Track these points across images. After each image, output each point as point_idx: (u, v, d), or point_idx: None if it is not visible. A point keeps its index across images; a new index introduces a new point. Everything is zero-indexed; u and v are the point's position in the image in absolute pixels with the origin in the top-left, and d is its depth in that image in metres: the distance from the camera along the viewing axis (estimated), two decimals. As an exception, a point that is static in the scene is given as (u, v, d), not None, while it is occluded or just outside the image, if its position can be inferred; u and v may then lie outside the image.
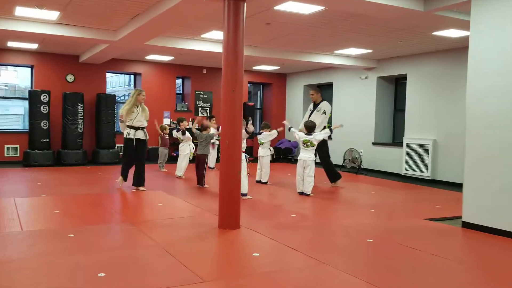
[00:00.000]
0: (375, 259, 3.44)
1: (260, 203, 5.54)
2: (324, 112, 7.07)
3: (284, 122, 7.09)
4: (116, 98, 10.50)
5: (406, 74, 8.84)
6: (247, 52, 7.95)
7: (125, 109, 5.87)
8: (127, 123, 5.85)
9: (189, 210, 5.08)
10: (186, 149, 7.63)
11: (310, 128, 6.24)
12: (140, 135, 5.94)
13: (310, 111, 7.31)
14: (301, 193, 6.12)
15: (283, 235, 4.00)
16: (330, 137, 7.29)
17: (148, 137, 6.09)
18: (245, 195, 5.62)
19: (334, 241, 3.93)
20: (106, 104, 9.70)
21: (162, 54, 9.46)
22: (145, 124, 6.01)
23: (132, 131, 5.92)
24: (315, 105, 7.34)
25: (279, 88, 12.32)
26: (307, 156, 6.07)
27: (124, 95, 16.02)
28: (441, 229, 4.50)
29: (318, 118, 7.12)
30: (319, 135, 6.16)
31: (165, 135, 8.51)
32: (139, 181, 6.13)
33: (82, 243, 3.60)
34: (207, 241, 3.77)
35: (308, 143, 6.08)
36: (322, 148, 7.05)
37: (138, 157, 5.98)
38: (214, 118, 8.84)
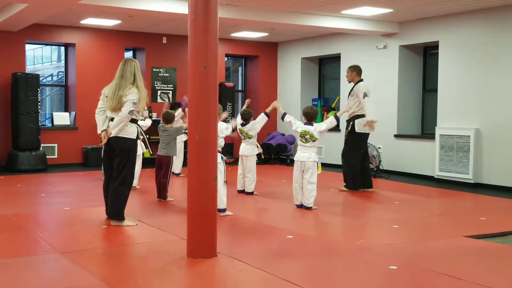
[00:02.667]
0: (402, 294, 3.45)
1: (245, 222, 5.53)
2: (366, 95, 7.15)
3: (274, 104, 7.02)
4: (41, 79, 10.33)
5: (438, 42, 8.93)
6: (223, 14, 7.91)
7: (141, 95, 5.15)
8: (134, 116, 5.18)
9: (146, 233, 5.03)
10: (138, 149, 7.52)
11: (311, 116, 6.24)
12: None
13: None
14: (300, 206, 6.14)
15: (277, 264, 3.99)
16: (337, 127, 7.35)
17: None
18: (223, 210, 5.60)
19: (345, 270, 3.95)
20: (26, 87, 9.53)
21: (104, 17, 9.33)
22: None
23: (139, 129, 5.37)
24: (352, 88, 7.48)
25: (268, 63, 12.33)
26: (306, 155, 6.08)
27: (52, 75, 15.78)
28: (489, 249, 4.56)
29: (352, 106, 7.28)
30: (322, 125, 6.17)
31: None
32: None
33: (-5, 284, 3.52)
34: (171, 276, 3.73)
35: (308, 136, 6.08)
36: (349, 140, 7.35)
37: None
38: (180, 108, 8.76)
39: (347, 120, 7.52)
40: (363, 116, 7.25)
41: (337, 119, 6.36)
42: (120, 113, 5.02)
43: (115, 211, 5.16)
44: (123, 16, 9.09)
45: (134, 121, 5.18)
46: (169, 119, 6.78)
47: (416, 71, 9.75)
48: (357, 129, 7.31)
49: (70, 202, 6.49)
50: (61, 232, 5.22)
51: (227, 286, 3.62)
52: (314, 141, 6.09)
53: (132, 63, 5.22)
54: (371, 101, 7.19)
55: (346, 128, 7.49)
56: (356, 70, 7.45)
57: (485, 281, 3.65)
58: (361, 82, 7.39)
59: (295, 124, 6.29)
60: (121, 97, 5.04)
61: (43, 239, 4.70)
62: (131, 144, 5.14)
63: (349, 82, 7.57)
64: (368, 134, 7.49)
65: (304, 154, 6.10)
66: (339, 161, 8.24)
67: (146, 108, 5.43)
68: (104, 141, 5.12)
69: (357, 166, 7.40)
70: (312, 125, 6.17)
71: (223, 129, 5.70)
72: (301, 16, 8.79)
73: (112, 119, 5.12)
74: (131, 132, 5.13)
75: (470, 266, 4.06)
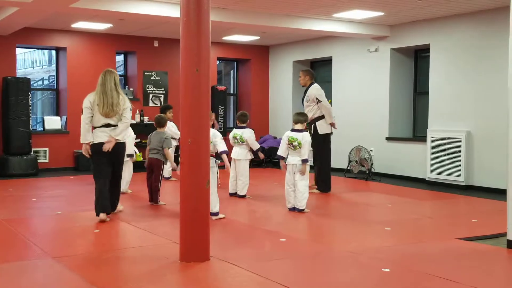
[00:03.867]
0: (396, 296, 3.46)
1: (237, 225, 5.52)
2: (317, 100, 7.38)
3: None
4: (32, 83, 10.27)
5: (429, 45, 8.99)
6: (215, 17, 7.90)
7: None
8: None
9: (139, 237, 5.02)
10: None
11: (298, 121, 6.25)
12: None
13: (303, 101, 7.71)
14: (293, 209, 6.14)
15: (270, 267, 3.99)
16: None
17: None
18: (215, 214, 5.59)
19: (338, 273, 3.95)
20: (17, 91, 9.47)
21: (95, 21, 9.30)
22: None
23: None
24: (305, 92, 7.66)
25: (260, 66, 12.34)
26: (297, 159, 6.07)
27: (43, 79, 15.69)
28: (481, 251, 4.59)
29: (310, 111, 7.41)
30: (305, 139, 6.05)
31: None
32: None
33: (-14, 290, 3.49)
34: (165, 281, 3.72)
35: (296, 143, 6.06)
36: (322, 146, 7.42)
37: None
38: (171, 110, 8.75)
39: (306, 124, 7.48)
40: (321, 118, 7.44)
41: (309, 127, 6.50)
42: (125, 119, 5.51)
43: (113, 205, 5.77)
44: (114, 20, 9.07)
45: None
46: (161, 123, 6.77)
47: (407, 74, 9.80)
48: (320, 131, 7.45)
49: (62, 206, 6.45)
50: (53, 237, 5.19)
51: (220, 290, 3.61)
52: (301, 147, 6.03)
53: (112, 74, 5.57)
54: (325, 103, 7.42)
55: (309, 131, 7.29)
56: (309, 74, 7.64)
57: (479, 283, 3.67)
58: (312, 86, 7.54)
59: (282, 141, 6.23)
60: (114, 105, 5.42)
61: (35, 244, 4.66)
62: (125, 147, 5.81)
63: (302, 86, 7.76)
64: (331, 133, 7.64)
65: (294, 158, 6.09)
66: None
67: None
68: (109, 146, 5.45)
69: (329, 168, 7.59)
70: (301, 132, 6.13)
71: (218, 137, 5.71)
72: (293, 20, 8.82)
73: (106, 125, 5.47)
74: (125, 136, 5.73)
75: (463, 268, 4.08)
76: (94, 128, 5.57)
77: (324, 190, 7.53)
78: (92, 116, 5.49)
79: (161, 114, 7.03)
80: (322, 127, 7.45)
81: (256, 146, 7.12)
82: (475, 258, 4.38)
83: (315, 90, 7.48)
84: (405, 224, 5.66)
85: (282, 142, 6.21)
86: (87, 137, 5.49)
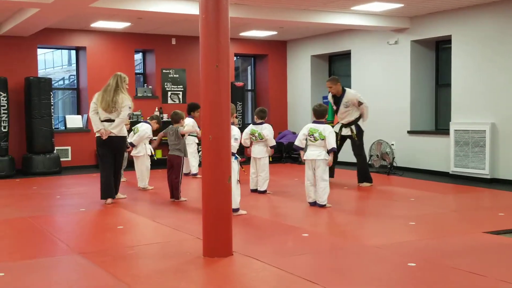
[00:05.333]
0: (421, 290, 3.44)
1: (259, 221, 5.54)
2: (359, 103, 7.70)
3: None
4: (53, 83, 10.42)
5: (450, 36, 8.87)
6: (232, 13, 7.89)
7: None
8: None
9: (162, 233, 5.07)
10: (141, 149, 7.59)
11: (319, 113, 6.22)
12: None
13: (334, 107, 7.99)
14: (313, 204, 6.14)
15: (293, 262, 4.00)
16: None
17: None
18: (236, 210, 5.60)
19: (363, 268, 3.94)
20: (39, 91, 9.62)
21: (114, 20, 9.40)
22: None
23: None
24: (337, 98, 7.83)
25: (278, 61, 12.32)
26: (316, 153, 6.05)
27: (63, 79, 15.90)
28: (508, 245, 4.53)
29: (350, 115, 7.75)
30: (329, 130, 6.05)
31: None
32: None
33: (15, 285, 3.56)
34: (189, 276, 3.75)
35: (316, 134, 6.04)
36: (359, 140, 7.78)
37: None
38: (198, 109, 8.72)
39: (345, 126, 7.84)
40: (358, 119, 7.79)
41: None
42: (121, 115, 6.31)
43: (116, 190, 6.59)
44: (133, 19, 9.15)
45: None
46: (175, 118, 6.83)
47: (428, 66, 9.69)
48: (363, 128, 7.85)
49: (85, 203, 6.54)
50: (78, 233, 5.27)
51: (244, 284, 3.63)
52: (323, 139, 6.03)
53: (117, 77, 6.46)
54: (366, 103, 7.77)
55: (352, 132, 7.77)
56: (338, 81, 7.85)
57: (507, 277, 3.62)
58: (348, 91, 7.83)
59: (301, 132, 6.24)
60: (112, 102, 6.29)
61: (61, 241, 4.75)
62: (125, 140, 6.68)
63: (334, 94, 7.87)
64: None
65: (313, 152, 6.07)
66: (349, 159, 8.30)
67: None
68: (105, 137, 6.28)
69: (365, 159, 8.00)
70: (322, 124, 6.14)
71: (235, 134, 5.66)
72: (310, 14, 8.78)
73: (107, 120, 6.32)
74: (124, 131, 6.56)
75: (490, 262, 4.03)
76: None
77: (371, 181, 7.75)
78: (97, 111, 6.34)
79: (176, 110, 7.09)
80: (361, 125, 7.84)
81: (272, 142, 7.09)
82: (501, 252, 4.32)
83: (354, 94, 7.78)
84: (429, 218, 5.61)
85: (301, 133, 6.22)
86: (98, 125, 6.32)
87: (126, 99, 6.33)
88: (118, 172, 6.60)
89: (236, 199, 5.54)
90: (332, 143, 6.00)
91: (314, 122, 6.21)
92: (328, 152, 6.02)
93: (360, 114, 7.75)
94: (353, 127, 7.77)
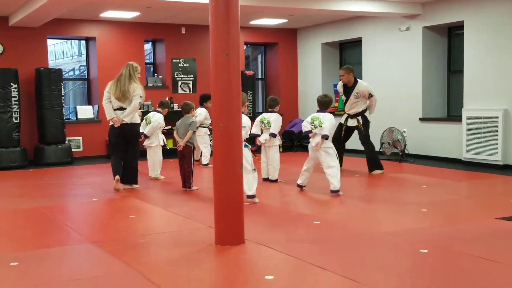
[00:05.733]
0: (434, 276, 3.44)
1: (270, 209, 5.56)
2: (369, 95, 7.73)
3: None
4: (63, 73, 10.47)
5: (463, 22, 8.77)
6: (242, 1, 7.86)
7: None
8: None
9: (174, 222, 5.10)
10: (154, 140, 7.62)
11: (321, 103, 6.28)
12: None
13: (344, 98, 8.02)
14: (299, 186, 6.36)
15: (305, 249, 4.01)
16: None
17: None
18: (253, 196, 5.61)
19: (375, 254, 3.94)
20: (50, 82, 9.68)
21: (123, 9, 9.40)
22: None
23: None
24: (348, 88, 7.85)
25: (288, 49, 12.26)
26: (316, 141, 6.05)
27: (74, 69, 15.98)
28: (522, 231, 4.51)
29: (358, 105, 7.79)
30: (327, 117, 6.06)
31: None
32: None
33: (29, 274, 3.61)
34: (201, 264, 3.78)
35: (316, 122, 6.08)
36: (365, 126, 7.79)
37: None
38: (210, 100, 8.75)
39: (351, 117, 7.87)
40: (365, 110, 7.83)
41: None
42: (132, 104, 6.45)
43: (135, 179, 6.76)
44: (142, 8, 9.14)
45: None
46: (186, 109, 6.86)
47: (440, 53, 9.59)
48: (369, 119, 7.88)
49: (97, 193, 6.60)
50: (91, 222, 5.32)
51: (256, 272, 3.65)
52: (321, 126, 6.03)
53: (129, 66, 6.61)
54: (376, 96, 7.81)
55: (358, 123, 7.81)
56: (352, 71, 7.87)
57: (519, 263, 3.61)
58: (360, 82, 7.86)
59: (305, 120, 6.29)
60: (125, 91, 6.43)
61: (74, 230, 4.80)
62: (138, 128, 6.83)
63: (346, 84, 7.88)
64: None
65: (315, 140, 6.09)
66: (358, 147, 8.29)
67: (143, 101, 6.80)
68: (117, 124, 6.46)
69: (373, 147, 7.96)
70: (325, 112, 6.16)
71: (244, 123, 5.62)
72: (321, 1, 8.71)
73: (119, 108, 6.48)
74: (137, 119, 6.69)
75: (504, 248, 4.01)
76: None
77: (382, 168, 7.75)
78: (110, 100, 6.51)
79: (187, 101, 7.11)
80: (368, 117, 7.88)
81: (274, 130, 7.02)
82: (515, 238, 4.31)
83: (366, 86, 7.80)
84: (441, 205, 5.59)
85: (305, 121, 6.32)
86: (111, 114, 6.51)
87: (137, 88, 6.47)
88: (134, 160, 6.68)
89: (252, 185, 5.57)
90: (326, 128, 6.01)
91: (317, 111, 6.28)
92: (322, 136, 6.01)
93: (368, 106, 7.79)
94: (359, 117, 7.79)
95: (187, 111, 6.86)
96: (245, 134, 5.59)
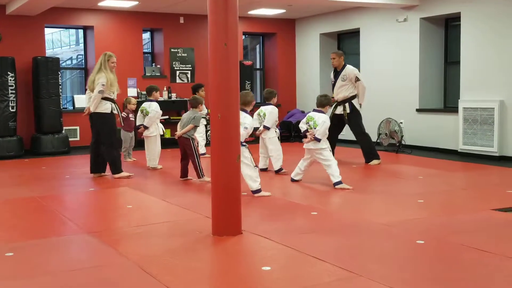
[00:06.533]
0: (430, 267, 3.43)
1: (267, 199, 5.53)
2: (356, 79, 7.66)
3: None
4: (61, 62, 10.39)
5: (459, 13, 8.71)
6: (240, -9, 7.80)
7: (111, 78, 6.61)
8: (106, 95, 6.61)
9: (171, 212, 5.08)
10: (153, 130, 7.56)
11: (319, 102, 6.23)
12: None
13: (333, 81, 7.93)
14: (292, 180, 6.37)
15: (302, 240, 3.99)
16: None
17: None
18: (258, 191, 5.54)
19: (371, 245, 3.92)
20: (47, 71, 9.59)
21: (120, -1, 9.30)
22: None
23: (113, 105, 6.72)
24: (337, 72, 7.80)
25: (286, 40, 12.19)
26: (312, 142, 5.99)
27: (71, 58, 15.86)
28: (517, 223, 4.50)
29: (345, 90, 7.68)
30: (322, 119, 5.99)
31: (129, 115, 8.40)
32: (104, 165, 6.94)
33: (25, 264, 3.58)
34: (198, 254, 3.75)
35: (311, 122, 6.03)
36: (354, 120, 7.68)
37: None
38: (203, 88, 8.75)
39: (338, 104, 7.79)
40: (353, 97, 7.70)
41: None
42: (94, 93, 6.53)
43: (114, 167, 6.74)
44: (140, -3, 9.04)
45: (108, 99, 6.61)
46: (193, 103, 6.77)
47: (437, 44, 9.54)
48: (357, 107, 7.75)
49: (94, 183, 6.56)
50: (87, 212, 5.29)
51: (253, 262, 3.63)
52: (316, 128, 5.97)
53: (101, 57, 6.66)
54: (363, 82, 7.73)
55: (344, 110, 7.72)
56: (343, 55, 7.83)
57: (515, 254, 3.59)
58: (349, 66, 7.77)
59: (302, 120, 6.24)
60: (93, 81, 6.55)
61: (70, 220, 4.76)
62: (105, 117, 6.66)
63: (335, 68, 7.84)
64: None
65: (309, 145, 6.03)
66: (352, 137, 8.26)
67: (118, 89, 6.80)
68: (85, 113, 6.70)
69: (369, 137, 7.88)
70: (322, 113, 6.10)
71: (246, 123, 5.50)
72: (319, -9, 8.64)
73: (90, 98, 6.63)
74: (105, 108, 6.60)
75: (499, 239, 4.01)
76: None
77: (378, 157, 7.73)
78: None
79: (195, 95, 7.09)
80: (356, 104, 7.73)
81: (268, 123, 6.94)
82: (510, 229, 4.30)
83: (353, 69, 7.72)
84: (438, 196, 5.58)
85: (302, 121, 6.26)
86: (86, 103, 6.75)
87: (101, 77, 6.50)
88: (105, 148, 6.68)
89: (256, 181, 5.52)
90: (319, 132, 5.94)
91: (314, 110, 6.24)
92: (314, 138, 5.97)
93: (356, 93, 7.68)
94: (346, 105, 7.68)
95: (195, 106, 6.75)
96: (246, 135, 5.52)
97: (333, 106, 7.79)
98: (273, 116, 7.02)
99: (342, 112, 7.72)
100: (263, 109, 7.10)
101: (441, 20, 9.43)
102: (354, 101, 7.71)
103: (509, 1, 7.92)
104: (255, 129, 6.92)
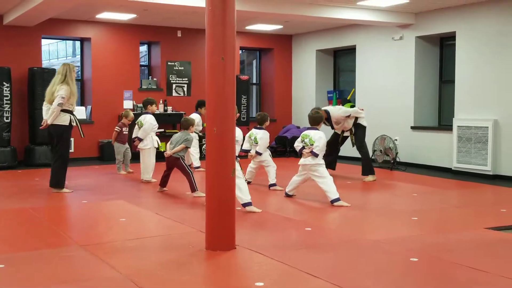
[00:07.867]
0: (424, 284, 3.42)
1: (261, 214, 5.51)
2: (345, 117, 7.85)
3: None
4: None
5: (455, 33, 8.81)
6: (238, 6, 7.82)
7: (71, 90, 6.45)
8: (65, 107, 6.46)
9: (164, 226, 5.05)
10: (148, 142, 7.54)
11: (312, 120, 6.20)
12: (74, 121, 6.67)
13: (329, 124, 8.05)
14: (286, 195, 6.37)
15: (295, 256, 3.97)
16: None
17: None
18: (248, 204, 5.51)
19: (365, 262, 3.91)
20: (43, 82, 9.55)
21: (119, 11, 9.35)
22: None
23: (73, 117, 6.57)
24: (327, 119, 7.86)
25: (283, 55, 12.26)
26: (309, 159, 5.99)
27: (68, 70, 15.84)
28: (510, 241, 4.51)
29: (347, 123, 7.89)
30: (318, 135, 5.99)
31: (123, 129, 8.40)
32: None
33: (15, 277, 3.54)
34: (191, 269, 3.73)
35: (307, 140, 6.01)
36: (358, 134, 7.88)
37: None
38: (204, 107, 8.75)
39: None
40: (356, 121, 7.92)
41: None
42: (52, 105, 6.34)
43: (55, 181, 6.56)
44: (138, 10, 9.10)
45: (66, 111, 6.45)
46: (185, 125, 6.73)
47: (432, 62, 9.62)
48: (363, 124, 7.91)
49: (88, 195, 6.52)
50: (80, 225, 5.26)
51: (246, 278, 3.61)
52: (312, 144, 5.97)
53: (65, 67, 6.50)
54: (353, 112, 7.87)
55: (351, 134, 7.97)
56: (320, 109, 7.69)
57: (508, 273, 3.60)
58: (332, 110, 7.93)
59: (297, 141, 6.23)
60: (53, 93, 6.37)
61: (62, 232, 4.73)
62: (63, 129, 6.48)
63: (325, 118, 7.87)
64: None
65: (306, 158, 6.02)
66: (350, 153, 8.34)
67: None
68: (42, 126, 6.45)
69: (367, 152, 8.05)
70: (316, 130, 6.10)
71: (239, 136, 5.51)
72: (316, 8, 8.72)
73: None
74: (63, 120, 6.44)
75: (493, 258, 4.01)
76: None
77: (373, 173, 7.85)
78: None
79: (188, 117, 7.06)
80: (362, 121, 7.92)
81: (261, 149, 6.93)
82: (503, 248, 4.30)
83: (337, 111, 7.88)
84: (432, 214, 5.58)
85: (298, 140, 6.24)
86: (44, 116, 6.52)
87: (61, 90, 6.34)
88: (57, 162, 6.50)
89: (246, 194, 5.48)
90: (318, 147, 5.93)
91: (308, 128, 6.23)
92: (311, 153, 5.97)
93: (355, 118, 7.88)
94: (353, 128, 7.92)
95: (186, 128, 6.72)
96: (238, 148, 5.50)
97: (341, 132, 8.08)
98: (265, 142, 7.01)
99: (349, 135, 8.00)
100: (254, 132, 7.03)
101: (436, 38, 9.53)
102: (358, 120, 7.89)
103: (503, 21, 8.03)
104: (247, 151, 6.96)
